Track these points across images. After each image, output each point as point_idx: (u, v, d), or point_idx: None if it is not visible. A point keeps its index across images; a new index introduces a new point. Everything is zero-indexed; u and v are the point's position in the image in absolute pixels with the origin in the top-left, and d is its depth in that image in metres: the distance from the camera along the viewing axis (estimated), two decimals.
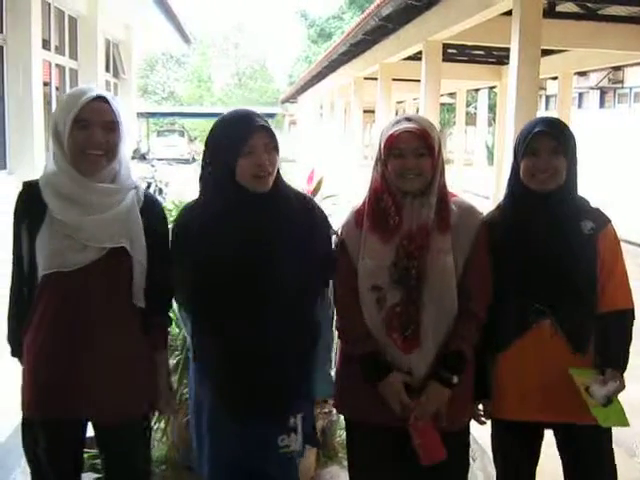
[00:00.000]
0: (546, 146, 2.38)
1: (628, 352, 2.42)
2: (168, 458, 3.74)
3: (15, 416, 2.45)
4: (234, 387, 2.33)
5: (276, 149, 2.31)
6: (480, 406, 2.57)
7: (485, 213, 2.51)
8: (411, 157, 2.31)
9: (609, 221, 2.46)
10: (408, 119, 2.36)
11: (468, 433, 2.55)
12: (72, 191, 2.25)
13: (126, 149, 2.38)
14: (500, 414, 2.51)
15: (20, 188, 2.36)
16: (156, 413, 2.69)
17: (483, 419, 2.58)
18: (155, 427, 3.63)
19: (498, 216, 2.53)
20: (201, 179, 2.38)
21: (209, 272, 2.30)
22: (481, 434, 2.95)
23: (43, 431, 2.36)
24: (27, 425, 2.40)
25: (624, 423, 2.37)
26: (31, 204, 2.29)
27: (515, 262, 2.42)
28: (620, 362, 2.40)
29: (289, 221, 2.33)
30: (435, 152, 2.33)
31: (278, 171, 2.36)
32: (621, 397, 2.39)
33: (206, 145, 2.35)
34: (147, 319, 2.43)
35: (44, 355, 2.30)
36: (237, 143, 2.24)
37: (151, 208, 2.42)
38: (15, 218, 2.34)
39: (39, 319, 2.30)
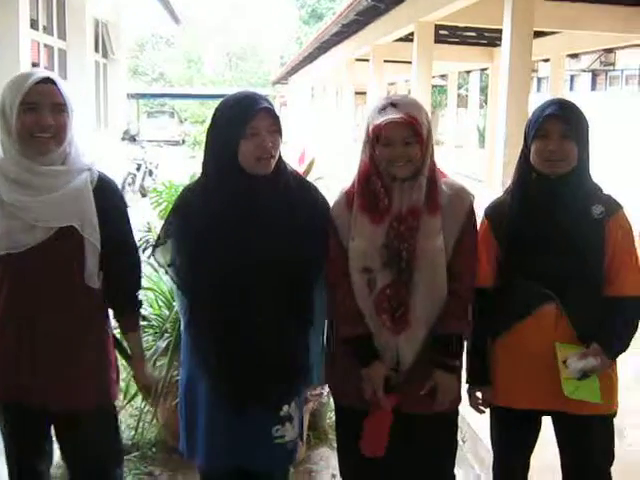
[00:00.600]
0: (557, 129, 2.34)
1: (626, 340, 2.39)
2: (158, 440, 3.75)
3: None
4: (228, 373, 2.32)
5: (279, 131, 2.29)
6: (479, 394, 2.57)
7: (475, 195, 2.50)
8: (399, 146, 2.29)
9: (621, 207, 2.42)
10: (394, 104, 2.31)
11: (457, 414, 2.55)
12: (19, 176, 2.24)
13: (75, 130, 2.34)
14: (499, 401, 2.51)
15: None
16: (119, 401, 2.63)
17: (482, 408, 2.58)
18: (145, 409, 3.63)
19: (507, 200, 2.51)
20: (203, 160, 2.37)
21: (207, 254, 2.29)
22: (472, 416, 2.95)
23: (5, 414, 2.41)
24: None
25: (595, 399, 2.34)
26: None
27: (522, 245, 2.41)
28: (611, 345, 2.36)
29: (290, 204, 2.33)
30: (424, 138, 2.31)
31: (280, 154, 2.34)
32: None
33: (209, 126, 2.34)
34: (114, 301, 2.44)
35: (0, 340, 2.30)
36: (239, 124, 2.23)
37: (105, 188, 2.40)
38: None
39: None
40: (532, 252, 2.40)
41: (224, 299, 2.30)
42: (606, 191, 2.46)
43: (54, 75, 2.30)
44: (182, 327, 2.54)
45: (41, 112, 2.21)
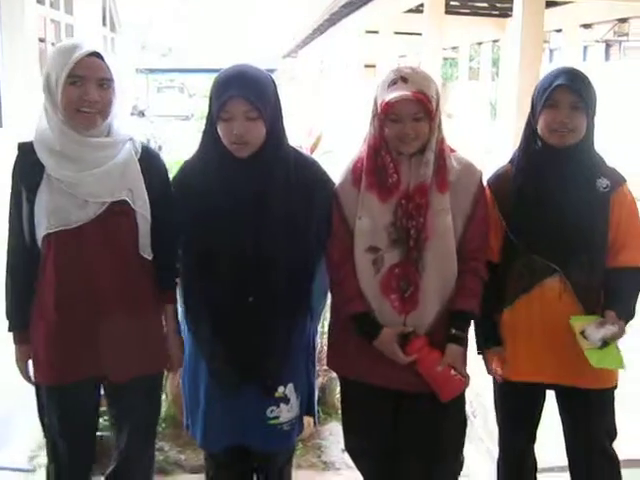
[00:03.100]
0: (568, 100, 2.30)
1: (633, 311, 2.38)
2: (167, 416, 3.75)
3: (16, 391, 2.45)
4: (221, 355, 2.33)
5: (260, 117, 2.20)
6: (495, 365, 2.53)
7: (484, 168, 2.46)
8: (408, 122, 2.24)
9: (624, 181, 2.40)
10: (404, 79, 2.25)
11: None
12: (65, 148, 2.19)
13: (120, 104, 2.30)
14: (504, 374, 2.48)
15: (15, 147, 2.29)
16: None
17: (499, 373, 2.50)
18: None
19: (510, 170, 2.47)
20: (202, 135, 2.37)
21: (199, 234, 2.31)
22: (483, 391, 2.94)
23: (57, 397, 2.35)
24: (40, 392, 2.39)
25: (620, 365, 2.34)
26: (28, 166, 2.23)
27: (526, 217, 2.39)
28: (626, 310, 2.35)
29: (276, 186, 2.28)
30: (433, 114, 2.26)
31: (278, 133, 2.29)
32: None
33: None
34: (157, 272, 2.40)
35: (55, 319, 2.27)
36: (216, 108, 2.21)
37: (149, 158, 2.36)
38: (13, 182, 2.28)
39: (46, 283, 2.26)
40: (536, 225, 2.37)
41: (217, 280, 2.30)
42: (610, 164, 2.43)
43: (101, 49, 2.23)
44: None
45: (87, 87, 2.16)
